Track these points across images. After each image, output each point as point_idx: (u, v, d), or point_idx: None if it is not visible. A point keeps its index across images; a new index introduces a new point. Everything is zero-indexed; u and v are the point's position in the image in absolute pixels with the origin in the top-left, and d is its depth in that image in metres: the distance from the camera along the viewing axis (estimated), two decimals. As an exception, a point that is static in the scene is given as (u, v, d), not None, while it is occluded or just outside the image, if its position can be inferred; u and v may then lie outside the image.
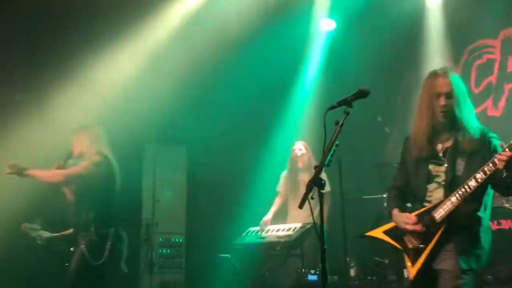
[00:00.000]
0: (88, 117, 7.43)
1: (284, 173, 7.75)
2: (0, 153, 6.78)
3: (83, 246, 5.91)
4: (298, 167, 7.56)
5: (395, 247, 4.51)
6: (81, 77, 7.57)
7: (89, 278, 5.93)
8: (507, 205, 6.12)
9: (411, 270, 4.35)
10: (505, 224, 6.06)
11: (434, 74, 4.39)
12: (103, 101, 7.69)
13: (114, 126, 7.40)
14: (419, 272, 4.29)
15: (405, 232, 4.35)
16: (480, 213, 4.25)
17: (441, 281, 4.17)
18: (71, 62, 7.49)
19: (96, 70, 7.67)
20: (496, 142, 4.19)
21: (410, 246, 4.36)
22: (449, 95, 4.29)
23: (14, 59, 7.42)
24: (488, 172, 4.00)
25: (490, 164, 3.99)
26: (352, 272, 7.01)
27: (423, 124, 4.39)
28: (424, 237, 4.27)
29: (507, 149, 3.89)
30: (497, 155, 3.95)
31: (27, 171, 5.95)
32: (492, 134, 4.27)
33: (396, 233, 4.47)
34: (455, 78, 4.36)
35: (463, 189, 4.11)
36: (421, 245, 4.28)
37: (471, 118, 4.31)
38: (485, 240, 4.27)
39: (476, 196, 4.19)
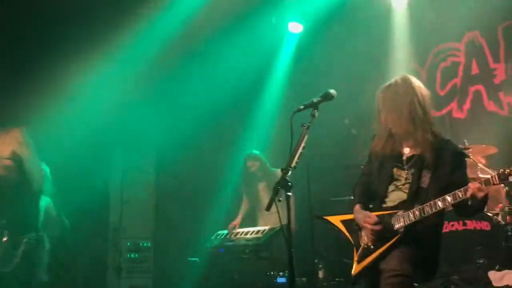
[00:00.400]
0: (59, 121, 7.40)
1: (243, 186, 7.87)
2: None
3: None
4: (255, 179, 7.72)
5: (347, 238, 4.56)
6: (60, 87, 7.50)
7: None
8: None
9: (355, 266, 4.41)
10: (470, 224, 6.10)
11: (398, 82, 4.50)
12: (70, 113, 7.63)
13: (85, 130, 7.42)
14: (362, 270, 4.35)
15: (360, 228, 4.41)
16: (438, 228, 4.34)
17: (384, 280, 4.23)
18: (51, 72, 7.44)
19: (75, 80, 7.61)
20: (463, 157, 4.28)
21: (362, 243, 4.40)
22: (418, 105, 4.39)
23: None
24: (458, 199, 4.05)
25: (462, 191, 4.04)
26: (321, 274, 7.03)
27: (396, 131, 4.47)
28: (377, 239, 4.32)
29: (483, 184, 3.97)
30: (471, 185, 4.00)
31: None
32: (460, 148, 4.36)
33: (353, 226, 4.51)
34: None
35: (428, 208, 4.16)
36: (372, 246, 4.32)
37: (438, 128, 4.40)
38: (437, 255, 4.35)
39: (439, 211, 4.24)
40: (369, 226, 4.32)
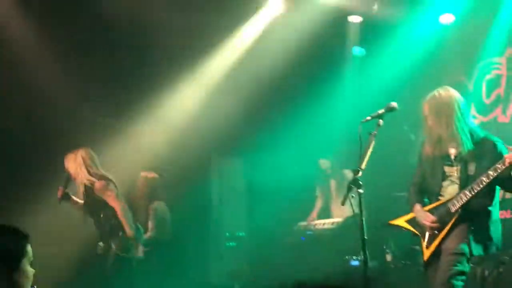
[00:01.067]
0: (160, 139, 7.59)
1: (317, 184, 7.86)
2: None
3: None
4: (327, 177, 7.73)
5: (415, 233, 4.58)
6: (158, 106, 7.68)
7: None
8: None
9: (425, 252, 4.43)
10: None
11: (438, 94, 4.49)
12: (174, 123, 7.79)
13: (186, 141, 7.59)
14: (432, 253, 4.37)
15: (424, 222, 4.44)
16: (490, 208, 4.29)
17: (441, 257, 4.23)
18: (150, 93, 7.62)
19: (170, 101, 7.78)
20: (501, 145, 4.26)
21: (428, 232, 4.42)
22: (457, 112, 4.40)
23: (110, 91, 7.58)
24: (498, 170, 4.03)
25: (501, 163, 4.01)
26: (388, 257, 6.97)
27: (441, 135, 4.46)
28: (440, 226, 4.33)
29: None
30: (506, 156, 3.98)
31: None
32: (495, 139, 4.32)
33: (416, 222, 4.52)
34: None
35: (475, 185, 4.16)
36: (436, 232, 4.34)
37: (477, 129, 4.45)
38: (494, 231, 4.31)
39: (487, 193, 4.23)
40: (428, 224, 4.33)
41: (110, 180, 6.01)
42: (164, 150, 7.77)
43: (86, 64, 7.32)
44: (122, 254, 5.89)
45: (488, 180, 4.09)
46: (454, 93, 4.49)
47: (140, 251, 6.25)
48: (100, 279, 5.89)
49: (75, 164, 5.99)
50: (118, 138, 7.47)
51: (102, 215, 6.00)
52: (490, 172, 4.09)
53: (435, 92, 4.53)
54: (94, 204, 5.98)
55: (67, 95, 7.20)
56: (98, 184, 5.92)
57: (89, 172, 5.97)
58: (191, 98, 7.95)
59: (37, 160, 7.04)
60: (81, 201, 6.05)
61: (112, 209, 5.94)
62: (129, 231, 5.89)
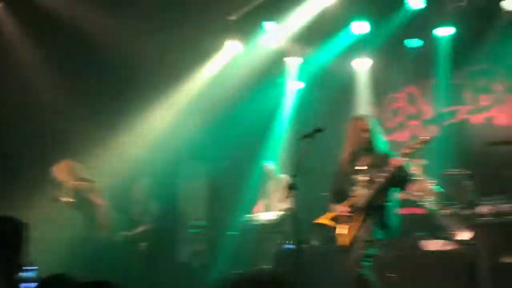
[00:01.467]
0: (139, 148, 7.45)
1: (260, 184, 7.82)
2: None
3: None
4: (268, 180, 7.61)
5: (335, 227, 4.58)
6: (138, 122, 7.55)
7: None
8: (412, 198, 6.20)
9: (343, 240, 4.43)
10: (412, 210, 6.11)
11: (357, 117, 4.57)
12: (153, 136, 7.67)
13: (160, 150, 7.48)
14: (350, 241, 4.40)
15: (341, 216, 4.46)
16: (389, 203, 4.39)
17: (355, 244, 4.28)
18: (131, 111, 7.47)
19: (147, 118, 7.66)
20: (389, 156, 4.31)
21: (343, 224, 4.44)
22: (369, 131, 4.46)
23: (97, 109, 7.37)
24: (388, 172, 4.14)
25: (389, 167, 4.14)
26: (314, 243, 7.01)
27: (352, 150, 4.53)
28: (352, 218, 4.38)
29: (398, 157, 4.09)
30: (392, 162, 4.11)
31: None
32: (394, 152, 4.41)
33: (336, 218, 4.55)
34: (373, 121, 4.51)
35: (374, 186, 4.24)
36: (349, 223, 4.39)
37: (382, 145, 4.47)
38: (393, 222, 4.39)
39: (386, 191, 4.30)
40: (344, 213, 4.39)
41: (94, 182, 5.94)
42: (141, 156, 7.62)
43: (77, 85, 7.10)
44: (104, 242, 5.80)
45: (382, 181, 4.19)
46: (371, 116, 4.58)
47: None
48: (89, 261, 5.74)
49: (62, 172, 5.93)
50: (103, 148, 7.28)
51: (88, 211, 5.90)
52: (383, 175, 4.21)
53: (358, 115, 4.61)
54: (81, 202, 5.91)
55: (59, 110, 6.97)
56: (84, 186, 5.87)
57: (76, 176, 5.90)
58: (164, 116, 7.84)
59: (32, 165, 6.74)
60: (71, 200, 5.92)
61: (95, 206, 5.87)
62: (106, 225, 5.80)
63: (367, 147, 4.43)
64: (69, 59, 6.98)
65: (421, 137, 4.17)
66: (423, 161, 6.66)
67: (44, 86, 6.90)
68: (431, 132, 7.54)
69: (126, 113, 7.46)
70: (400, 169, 4.09)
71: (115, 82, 7.44)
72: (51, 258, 5.53)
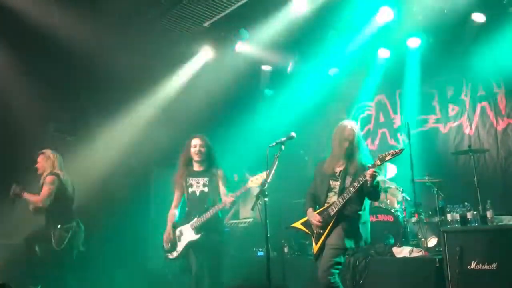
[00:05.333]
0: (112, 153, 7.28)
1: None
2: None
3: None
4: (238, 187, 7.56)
5: (307, 232, 4.58)
6: (112, 130, 7.42)
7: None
8: (381, 205, 6.24)
9: (314, 247, 4.45)
10: (381, 217, 6.14)
11: (343, 126, 4.50)
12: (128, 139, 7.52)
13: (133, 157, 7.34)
14: (319, 248, 4.38)
15: (313, 223, 4.44)
16: (360, 212, 4.37)
17: (325, 251, 4.26)
18: (106, 118, 7.35)
19: (121, 125, 7.53)
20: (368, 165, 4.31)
21: (315, 231, 4.43)
22: (352, 141, 4.43)
23: (72, 115, 7.27)
24: (361, 181, 4.13)
25: (362, 177, 4.11)
26: (285, 250, 7.00)
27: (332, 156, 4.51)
28: (323, 226, 4.36)
29: (371, 168, 4.07)
30: (365, 172, 4.08)
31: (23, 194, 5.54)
32: (370, 162, 4.40)
33: (309, 224, 4.54)
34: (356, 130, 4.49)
35: (345, 194, 4.23)
36: (321, 231, 4.37)
37: (362, 156, 4.44)
38: (363, 230, 4.38)
39: (358, 201, 4.28)
40: (316, 223, 4.37)
41: (57, 175, 5.66)
42: (115, 163, 7.48)
43: (53, 93, 6.95)
44: (59, 247, 5.46)
45: (354, 190, 4.17)
46: (354, 125, 4.56)
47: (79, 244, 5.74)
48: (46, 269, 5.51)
49: (44, 161, 5.74)
50: (77, 152, 7.13)
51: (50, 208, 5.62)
52: (355, 184, 4.19)
53: (341, 123, 4.58)
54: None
55: (35, 117, 6.82)
56: (48, 178, 5.64)
57: (52, 169, 5.71)
58: (136, 124, 7.72)
59: (6, 167, 6.54)
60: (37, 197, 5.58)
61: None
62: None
63: (346, 155, 4.41)
64: (39, 64, 6.81)
65: (392, 150, 4.16)
66: (393, 171, 6.72)
67: (15, 91, 6.71)
68: (401, 142, 7.63)
69: (100, 118, 7.34)
70: (372, 180, 4.08)
71: (88, 88, 7.33)
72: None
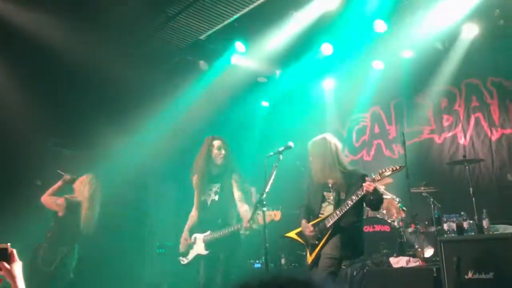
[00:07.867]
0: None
1: None
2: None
3: None
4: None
5: (302, 243, 4.55)
6: (114, 141, 7.33)
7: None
8: (378, 216, 6.23)
9: (309, 257, 4.42)
10: (378, 228, 6.12)
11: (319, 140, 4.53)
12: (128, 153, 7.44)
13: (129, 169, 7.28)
14: (314, 259, 4.36)
15: (307, 234, 4.43)
16: (356, 224, 4.36)
17: (320, 261, 4.24)
18: (107, 128, 7.25)
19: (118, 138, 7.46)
20: (364, 177, 4.31)
21: (311, 242, 4.41)
22: (331, 153, 4.45)
23: (70, 127, 7.19)
24: (359, 195, 4.11)
25: (360, 190, 4.10)
26: (283, 261, 6.96)
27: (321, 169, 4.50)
28: (319, 237, 4.34)
29: (370, 181, 4.06)
30: (364, 184, 4.07)
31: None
32: (362, 172, 4.40)
33: (303, 234, 4.51)
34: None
35: (343, 206, 4.21)
36: (317, 242, 4.35)
37: (348, 165, 4.49)
38: (358, 241, 4.36)
39: (355, 212, 4.27)
40: (310, 234, 4.35)
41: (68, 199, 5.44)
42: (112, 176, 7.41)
43: (52, 107, 6.89)
44: (46, 268, 5.09)
45: (352, 203, 4.15)
46: (329, 138, 4.55)
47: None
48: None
49: (81, 185, 5.54)
50: (72, 165, 7.04)
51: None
52: (353, 197, 4.17)
53: (317, 137, 4.59)
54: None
55: (33, 131, 6.72)
56: (60, 201, 5.38)
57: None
58: (135, 138, 7.65)
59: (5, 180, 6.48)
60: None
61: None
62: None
63: (337, 166, 4.41)
64: (38, 78, 6.77)
65: (393, 166, 4.16)
66: (389, 180, 6.72)
67: (13, 105, 6.65)
68: (397, 153, 7.65)
69: (98, 132, 7.28)
70: (373, 193, 4.08)
71: (83, 101, 7.25)
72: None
